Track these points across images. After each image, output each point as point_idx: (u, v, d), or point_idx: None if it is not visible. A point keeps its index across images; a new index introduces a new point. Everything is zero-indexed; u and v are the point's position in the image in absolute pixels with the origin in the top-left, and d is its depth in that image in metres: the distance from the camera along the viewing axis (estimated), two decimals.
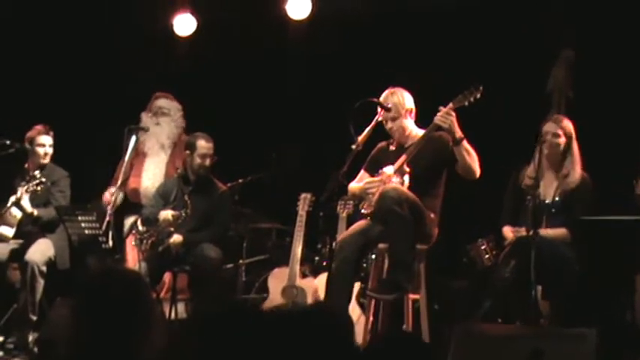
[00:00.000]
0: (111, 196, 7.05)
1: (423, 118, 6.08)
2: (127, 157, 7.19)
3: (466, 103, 5.80)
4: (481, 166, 5.85)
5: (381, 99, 6.08)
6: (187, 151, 7.17)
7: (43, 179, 7.00)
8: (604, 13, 7.32)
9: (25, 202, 7.00)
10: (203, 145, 7.11)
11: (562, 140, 6.02)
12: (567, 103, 7.56)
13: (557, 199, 6.00)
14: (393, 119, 6.06)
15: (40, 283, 6.94)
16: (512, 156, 6.25)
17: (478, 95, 5.79)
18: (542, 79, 7.52)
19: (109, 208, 6.94)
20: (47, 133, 7.27)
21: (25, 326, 6.88)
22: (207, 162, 7.10)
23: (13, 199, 6.98)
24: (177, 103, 7.81)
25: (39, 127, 7.28)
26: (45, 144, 7.27)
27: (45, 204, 7.15)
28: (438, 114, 5.79)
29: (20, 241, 7.15)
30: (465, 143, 5.77)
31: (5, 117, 7.85)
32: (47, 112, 7.72)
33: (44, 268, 6.97)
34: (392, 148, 6.16)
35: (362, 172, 6.23)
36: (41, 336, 6.64)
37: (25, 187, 6.96)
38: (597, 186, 6.05)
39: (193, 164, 7.12)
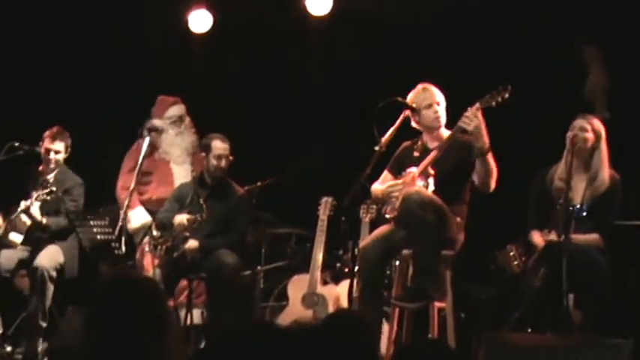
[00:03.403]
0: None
1: (448, 117, 6.07)
2: (140, 160, 7.21)
3: (493, 104, 5.77)
4: (509, 169, 5.85)
5: (412, 95, 6.08)
6: (203, 154, 7.19)
7: (54, 188, 7.04)
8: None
9: (35, 210, 7.07)
10: (218, 145, 7.12)
11: (590, 136, 5.97)
12: (607, 99, 7.57)
13: (586, 202, 5.97)
14: (428, 107, 6.03)
15: (50, 288, 7.01)
16: (542, 159, 6.24)
17: (506, 95, 5.76)
18: (570, 79, 7.54)
19: (121, 212, 6.98)
20: (56, 139, 7.30)
21: (35, 334, 6.93)
22: (223, 163, 7.11)
23: (22, 206, 7.04)
24: (184, 105, 7.87)
25: (52, 131, 7.33)
26: (52, 149, 7.32)
27: (56, 212, 7.19)
28: (463, 116, 5.77)
29: (28, 248, 7.24)
30: (489, 156, 5.73)
31: (20, 118, 7.90)
32: (60, 113, 7.79)
33: (54, 274, 7.05)
34: (416, 152, 6.14)
35: (385, 172, 6.22)
36: (52, 345, 6.69)
37: (36, 196, 7.01)
38: (629, 188, 6.03)
39: (209, 166, 7.14)
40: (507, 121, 5.84)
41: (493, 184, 5.82)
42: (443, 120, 6.08)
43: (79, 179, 7.43)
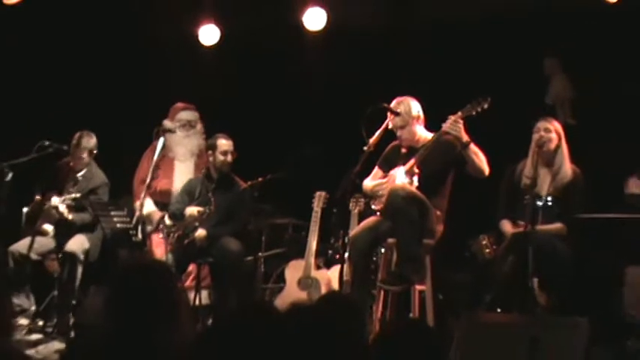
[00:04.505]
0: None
1: (433, 123, 6.10)
2: (155, 157, 7.24)
3: (474, 113, 5.82)
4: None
5: (394, 103, 6.11)
6: (209, 152, 7.22)
7: (78, 195, 7.12)
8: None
9: (63, 209, 7.11)
10: (223, 143, 7.16)
11: (553, 136, 6.02)
12: (571, 107, 7.63)
13: (551, 193, 6.01)
14: (402, 127, 6.09)
15: (79, 270, 7.11)
16: (511, 160, 6.28)
17: (486, 106, 5.80)
18: (534, 86, 7.61)
19: (137, 203, 7.04)
20: (80, 146, 7.35)
21: (65, 311, 6.99)
22: (229, 158, 7.15)
23: (52, 203, 7.10)
24: (197, 112, 7.89)
25: (78, 137, 7.39)
26: (76, 156, 7.38)
27: (82, 208, 7.24)
28: (447, 122, 5.81)
29: (58, 236, 7.29)
30: (473, 146, 5.79)
31: (51, 119, 7.93)
32: (86, 115, 7.81)
33: (82, 257, 7.14)
34: (403, 150, 6.18)
35: (376, 169, 6.27)
36: (77, 320, 6.74)
37: (63, 199, 7.10)
38: (588, 185, 6.07)
39: (216, 162, 7.17)
40: (476, 126, 5.88)
41: (486, 168, 5.86)
42: (407, 140, 6.13)
43: (105, 178, 7.47)
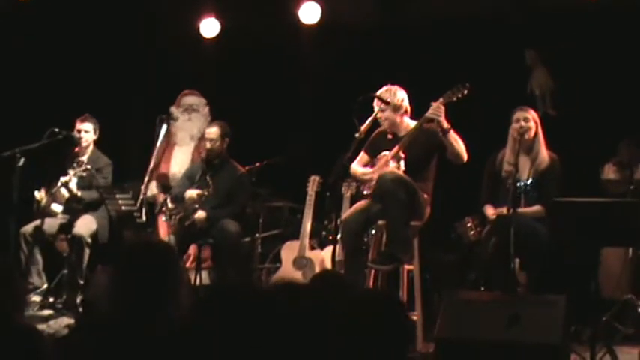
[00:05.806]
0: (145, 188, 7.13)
1: (418, 110, 6.12)
2: (158, 144, 7.25)
3: (454, 99, 5.84)
4: (468, 155, 5.89)
5: (382, 91, 6.13)
6: None
7: (89, 166, 7.14)
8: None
9: (73, 185, 7.15)
10: (206, 131, 7.24)
11: (532, 125, 6.04)
12: (551, 97, 7.64)
13: (531, 178, 6.02)
14: (388, 114, 6.09)
15: (86, 252, 7.12)
16: (493, 147, 6.30)
17: (465, 92, 5.82)
18: (515, 78, 7.64)
19: (142, 187, 7.04)
20: (85, 121, 7.41)
21: (74, 289, 7.03)
22: (208, 145, 7.14)
23: (62, 180, 7.13)
24: (203, 98, 7.87)
25: (81, 118, 7.42)
26: (81, 129, 7.40)
27: (89, 187, 7.27)
28: (430, 108, 5.83)
29: (67, 217, 7.33)
30: (452, 133, 5.81)
31: (59, 109, 7.92)
32: (92, 105, 7.80)
33: (89, 240, 7.15)
34: (389, 136, 6.19)
35: (362, 153, 6.27)
36: (84, 297, 6.77)
37: (74, 172, 7.10)
38: (567, 171, 6.09)
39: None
40: (463, 114, 5.90)
41: (464, 155, 5.87)
42: (388, 122, 6.11)
43: (108, 160, 7.50)
